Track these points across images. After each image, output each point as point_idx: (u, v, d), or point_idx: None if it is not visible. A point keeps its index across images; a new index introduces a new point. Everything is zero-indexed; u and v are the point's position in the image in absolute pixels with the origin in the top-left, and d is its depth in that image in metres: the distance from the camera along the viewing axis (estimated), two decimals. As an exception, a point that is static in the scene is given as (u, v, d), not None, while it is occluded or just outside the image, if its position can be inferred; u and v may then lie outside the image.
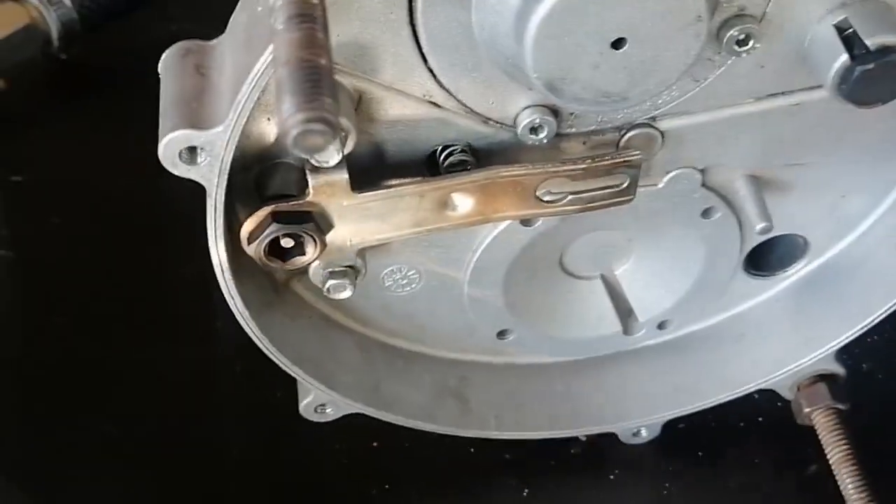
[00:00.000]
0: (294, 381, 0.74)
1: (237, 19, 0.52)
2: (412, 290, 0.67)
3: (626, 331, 0.72)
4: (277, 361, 0.63)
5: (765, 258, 0.71)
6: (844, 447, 0.69)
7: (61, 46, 0.98)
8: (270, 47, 0.46)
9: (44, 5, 0.96)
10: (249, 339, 0.80)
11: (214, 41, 0.53)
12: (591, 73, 0.51)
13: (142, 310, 0.84)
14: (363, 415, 0.69)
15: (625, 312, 0.72)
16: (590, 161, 0.58)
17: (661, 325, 0.73)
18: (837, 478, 0.69)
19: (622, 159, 0.58)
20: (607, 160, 0.58)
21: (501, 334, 0.71)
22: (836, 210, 0.68)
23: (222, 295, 0.81)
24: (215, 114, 0.50)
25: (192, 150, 0.50)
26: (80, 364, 0.80)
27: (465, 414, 0.72)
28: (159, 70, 0.53)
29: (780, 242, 0.70)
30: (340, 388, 0.67)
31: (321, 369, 0.66)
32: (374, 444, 0.76)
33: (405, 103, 0.56)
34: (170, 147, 0.50)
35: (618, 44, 0.51)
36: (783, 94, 0.59)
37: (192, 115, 0.50)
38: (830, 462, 0.69)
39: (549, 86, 0.52)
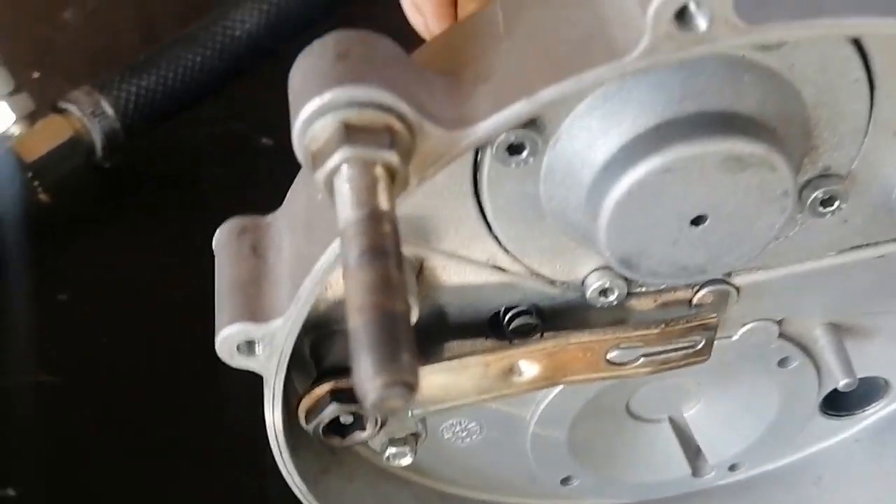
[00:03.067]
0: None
1: (294, 200, 0.49)
2: (472, 441, 0.64)
3: (696, 473, 0.69)
4: (335, 527, 0.60)
5: (842, 398, 0.67)
6: None
7: (105, 156, 0.96)
8: (335, 243, 0.44)
9: (87, 117, 0.95)
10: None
11: (270, 217, 0.51)
12: (668, 250, 0.49)
13: (198, 436, 0.80)
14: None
15: (693, 454, 0.68)
16: (664, 325, 0.55)
17: (732, 468, 0.69)
18: None
19: (698, 322, 0.55)
20: (682, 324, 0.55)
21: (565, 481, 0.68)
22: (920, 352, 0.64)
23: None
24: (275, 304, 0.47)
25: (251, 343, 0.47)
26: (135, 495, 0.77)
27: (527, 564, 0.69)
28: (214, 248, 0.51)
29: (859, 383, 0.66)
30: (399, 548, 0.64)
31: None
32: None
33: (469, 269, 0.53)
34: (227, 342, 0.47)
35: (698, 220, 0.48)
36: (866, 246, 0.56)
37: (250, 305, 0.47)
38: None
39: (623, 262, 0.49)
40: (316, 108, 0.38)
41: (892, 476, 0.67)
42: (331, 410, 0.52)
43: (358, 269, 0.35)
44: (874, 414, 0.68)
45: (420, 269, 0.53)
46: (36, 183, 0.93)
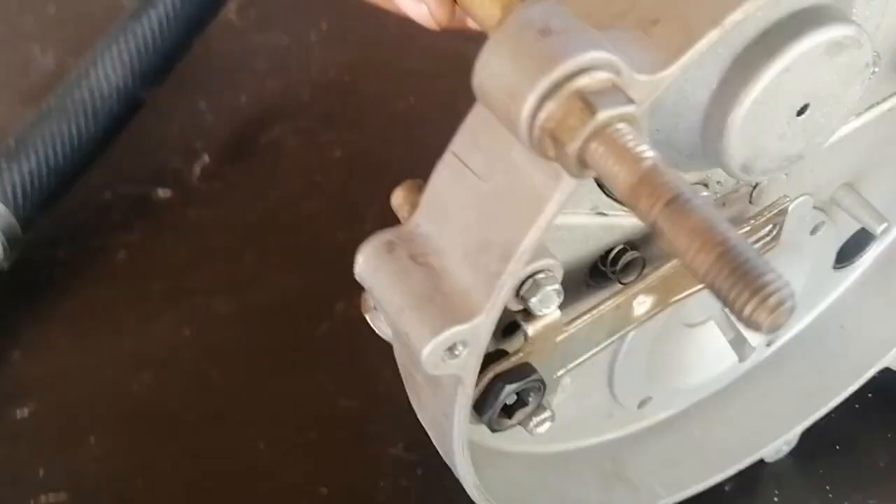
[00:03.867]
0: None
1: (441, 197, 0.48)
2: (566, 394, 0.66)
3: (742, 358, 0.74)
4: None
5: (842, 250, 0.74)
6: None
7: (7, 257, 0.89)
8: (538, 223, 0.44)
9: (-18, 221, 0.87)
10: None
11: (410, 225, 0.50)
12: (777, 145, 0.52)
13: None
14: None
15: (737, 342, 0.73)
16: (752, 222, 0.59)
17: (769, 343, 0.75)
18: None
19: (777, 211, 0.60)
20: (766, 217, 0.59)
21: (641, 404, 0.71)
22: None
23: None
24: (468, 302, 0.47)
25: (453, 348, 0.47)
26: None
27: (634, 492, 0.72)
28: (359, 275, 0.49)
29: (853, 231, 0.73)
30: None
31: (517, 498, 0.64)
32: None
33: (577, 221, 0.55)
34: (437, 351, 0.46)
35: (802, 110, 0.52)
36: (878, 103, 0.62)
37: (446, 311, 0.47)
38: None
39: (743, 168, 0.52)
40: (548, 85, 0.39)
41: (900, 303, 0.75)
42: (507, 392, 0.53)
43: (680, 217, 0.36)
44: (871, 256, 0.76)
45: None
46: (-53, 304, 0.85)
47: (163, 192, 0.97)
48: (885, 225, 0.66)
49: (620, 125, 0.39)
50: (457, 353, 0.48)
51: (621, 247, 0.58)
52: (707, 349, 0.73)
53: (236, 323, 0.88)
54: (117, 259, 0.93)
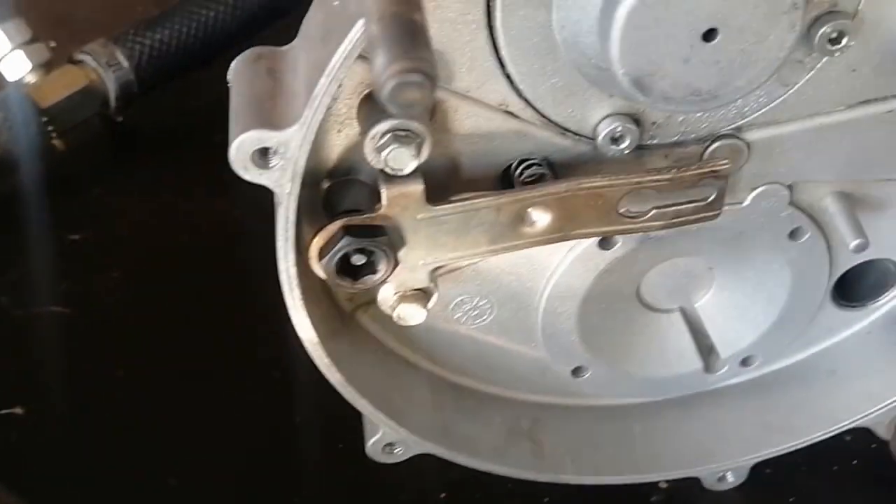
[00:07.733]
0: (356, 431, 0.71)
1: (311, 20, 0.50)
2: (483, 322, 0.64)
3: (708, 368, 0.68)
4: (344, 392, 0.60)
5: (854, 288, 0.67)
6: (952, 486, 0.64)
7: (118, 108, 0.98)
8: (350, 35, 0.45)
9: (102, 67, 0.96)
10: (312, 388, 0.77)
11: (287, 46, 0.52)
12: (681, 68, 0.49)
13: (204, 362, 0.81)
14: (430, 465, 0.66)
15: (706, 348, 0.68)
16: (675, 171, 0.55)
17: (744, 362, 0.69)
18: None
19: (709, 168, 0.55)
20: (694, 170, 0.55)
21: (576, 372, 0.68)
22: (930, 232, 0.65)
23: (285, 341, 0.80)
24: (289, 114, 0.48)
25: (265, 152, 0.48)
26: (142, 420, 0.77)
27: (538, 457, 0.68)
28: (229, 77, 0.52)
29: (869, 269, 0.66)
30: (410, 425, 0.63)
31: (390, 404, 0.63)
32: (443, 495, 0.72)
33: (481, 113, 0.54)
34: (242, 149, 0.48)
35: (709, 35, 0.48)
36: (876, 100, 0.56)
37: (266, 116, 0.48)
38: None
39: (636, 83, 0.49)
40: None
41: (902, 363, 0.67)
42: (345, 243, 0.52)
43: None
44: (887, 304, 0.68)
45: (433, 111, 0.53)
46: (50, 128, 0.94)
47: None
48: (861, 241, 0.59)
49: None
50: (271, 163, 0.48)
51: (535, 161, 0.56)
52: (668, 343, 0.68)
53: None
54: (213, 140, 0.99)
